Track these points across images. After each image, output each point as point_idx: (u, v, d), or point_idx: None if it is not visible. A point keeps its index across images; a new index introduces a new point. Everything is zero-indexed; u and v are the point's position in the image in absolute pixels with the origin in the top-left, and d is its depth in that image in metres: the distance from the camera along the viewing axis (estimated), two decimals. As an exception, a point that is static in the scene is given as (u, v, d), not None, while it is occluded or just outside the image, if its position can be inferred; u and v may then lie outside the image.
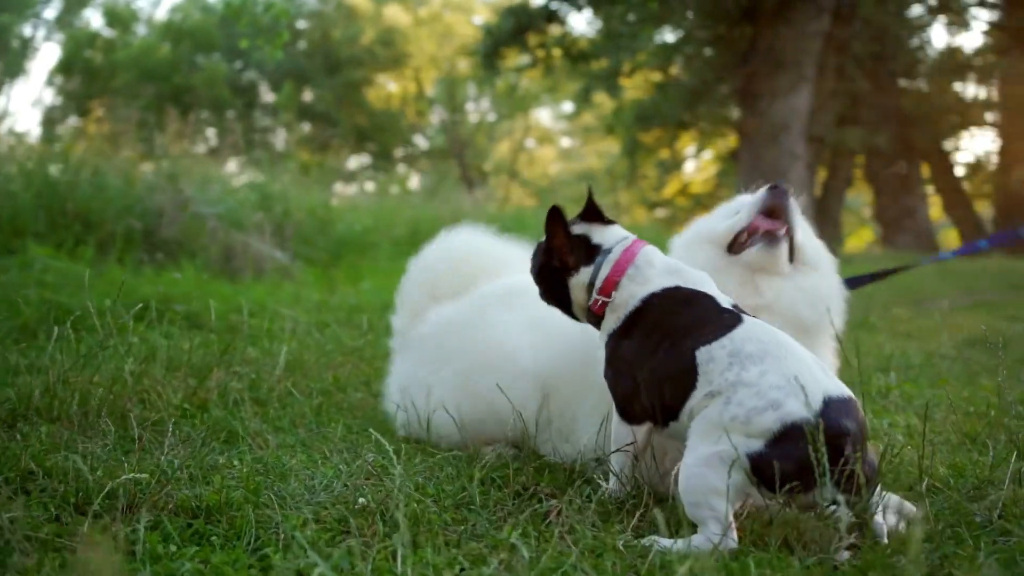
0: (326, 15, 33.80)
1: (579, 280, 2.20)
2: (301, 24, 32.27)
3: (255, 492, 2.04)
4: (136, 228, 6.70)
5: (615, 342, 2.13)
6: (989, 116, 32.26)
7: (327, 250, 8.16)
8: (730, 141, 27.75)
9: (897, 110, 26.60)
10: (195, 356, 3.15)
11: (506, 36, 17.71)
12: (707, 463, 1.82)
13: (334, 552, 1.66)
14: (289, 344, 3.76)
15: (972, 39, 41.24)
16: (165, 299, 4.83)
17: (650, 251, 2.22)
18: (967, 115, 31.67)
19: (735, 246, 2.41)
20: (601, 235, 2.24)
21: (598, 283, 2.17)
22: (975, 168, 33.26)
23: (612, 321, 2.14)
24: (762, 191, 2.48)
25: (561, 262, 2.21)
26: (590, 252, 2.21)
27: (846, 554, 1.80)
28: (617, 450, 2.13)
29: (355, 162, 36.04)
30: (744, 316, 2.03)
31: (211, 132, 29.18)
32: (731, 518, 1.81)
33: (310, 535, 1.78)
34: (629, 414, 2.11)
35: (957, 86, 31.69)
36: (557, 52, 19.38)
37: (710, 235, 2.49)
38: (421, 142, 38.60)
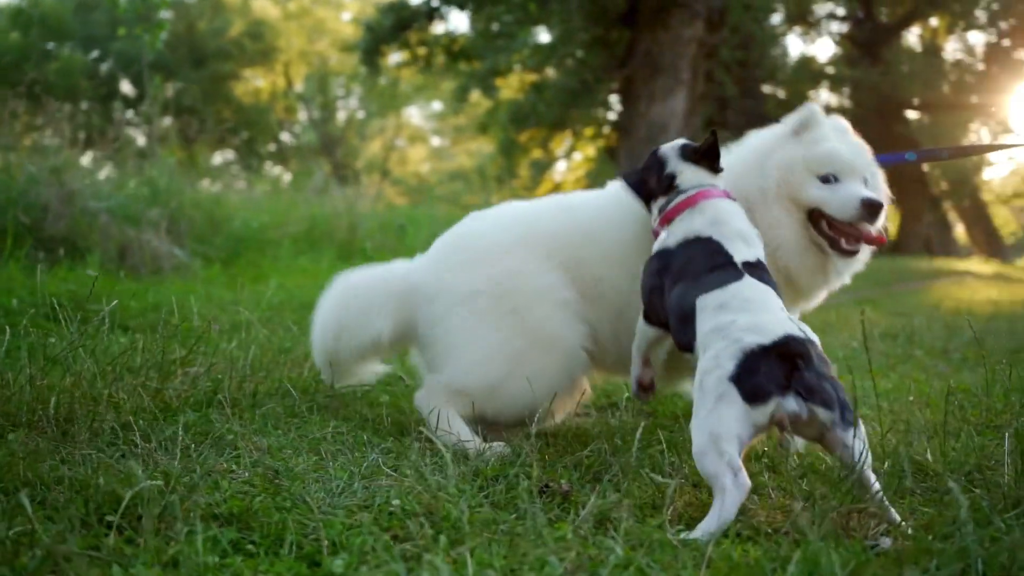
0: (192, 6, 32.58)
1: (655, 205, 2.58)
2: (164, 15, 31.01)
3: (276, 497, 1.89)
4: (24, 223, 6.24)
5: (656, 263, 2.46)
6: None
7: (224, 247, 7.82)
8: (600, 142, 28.27)
9: (762, 114, 27.63)
10: (146, 357, 2.93)
11: (387, 33, 17.48)
12: (704, 414, 1.97)
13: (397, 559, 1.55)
14: (231, 343, 3.55)
15: (825, 49, 43.24)
16: (74, 298, 4.51)
17: (709, 203, 2.45)
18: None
19: (834, 239, 2.62)
20: (686, 177, 2.53)
21: (662, 215, 2.52)
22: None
23: (659, 245, 2.48)
24: (862, 192, 2.58)
25: (646, 189, 2.61)
26: (670, 188, 2.54)
27: (888, 541, 1.83)
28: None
29: (219, 158, 34.91)
30: (745, 275, 2.25)
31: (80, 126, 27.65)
32: (739, 461, 1.91)
33: (360, 541, 1.66)
34: (649, 318, 2.51)
35: (813, 93, 33.21)
36: (440, 50, 19.26)
37: (794, 193, 2.64)
38: (290, 139, 37.73)
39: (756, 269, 2.30)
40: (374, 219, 9.59)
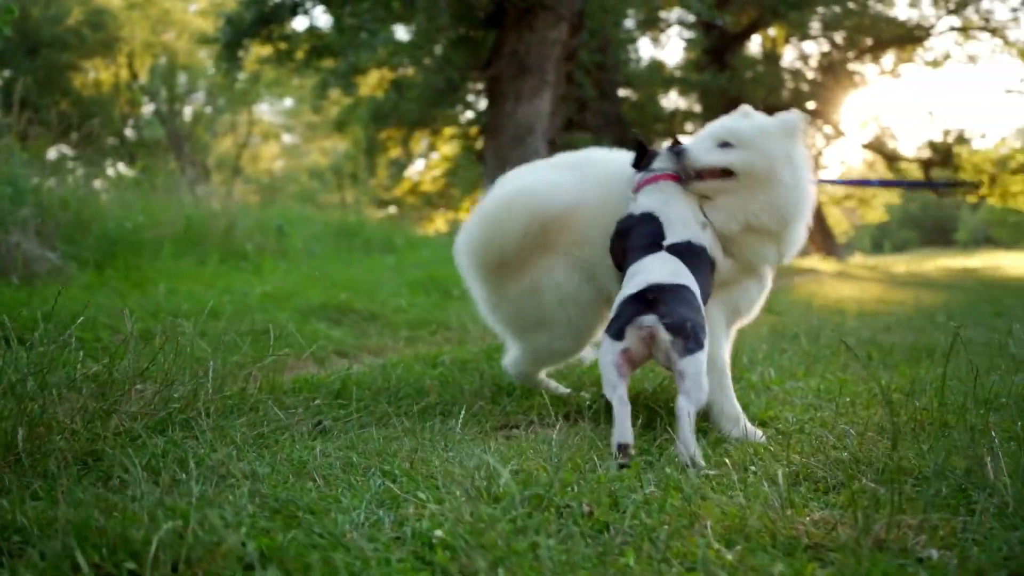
0: (25, -9, 30.53)
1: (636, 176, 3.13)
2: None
3: (302, 533, 1.74)
4: None
5: (622, 224, 3.05)
6: (689, 126, 35.16)
7: (97, 249, 7.32)
8: (463, 142, 28.23)
9: (619, 116, 28.25)
10: (85, 374, 2.67)
11: (249, 27, 16.84)
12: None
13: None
14: (169, 355, 3.29)
15: (674, 54, 44.63)
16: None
17: (663, 184, 3.03)
18: (672, 124, 34.34)
19: None
20: (660, 160, 3.10)
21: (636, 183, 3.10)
22: (680, 172, 35.99)
23: (629, 209, 3.07)
24: None
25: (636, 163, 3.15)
26: (647, 164, 3.11)
27: (935, 553, 1.83)
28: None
29: (55, 152, 32.90)
30: (661, 249, 2.83)
31: None
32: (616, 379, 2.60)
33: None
34: (616, 266, 3.06)
35: (663, 96, 34.25)
36: (304, 46, 18.72)
37: None
38: (134, 134, 35.99)
39: (677, 248, 2.83)
40: (252, 219, 9.22)
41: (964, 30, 33.61)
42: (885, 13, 33.52)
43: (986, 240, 67.42)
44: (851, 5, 32.30)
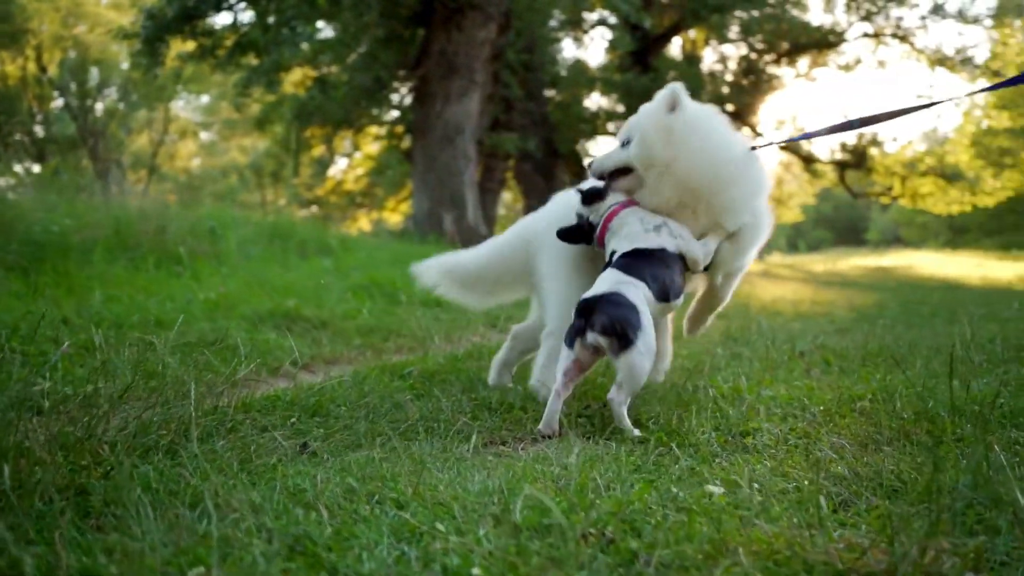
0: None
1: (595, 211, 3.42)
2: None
3: (328, 574, 1.64)
4: None
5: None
6: (612, 126, 35.49)
7: (22, 254, 6.99)
8: (389, 142, 27.95)
9: (544, 116, 28.33)
10: (51, 393, 2.51)
11: (171, 22, 16.34)
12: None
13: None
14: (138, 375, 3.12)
15: (596, 55, 45.03)
16: None
17: (616, 219, 3.29)
18: (595, 124, 34.61)
19: None
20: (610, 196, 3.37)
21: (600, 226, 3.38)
22: (603, 173, 36.28)
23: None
24: None
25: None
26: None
27: (971, 576, 1.82)
28: None
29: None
30: (611, 266, 3.15)
31: None
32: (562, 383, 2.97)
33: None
34: None
35: (587, 96, 34.47)
36: (227, 42, 18.26)
37: None
38: (44, 129, 34.71)
39: (627, 257, 3.14)
40: (183, 221, 8.93)
41: (876, 36, 34.55)
42: (801, 18, 34.28)
43: (896, 240, 69.67)
44: (769, 10, 32.94)
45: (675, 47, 37.51)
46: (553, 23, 29.25)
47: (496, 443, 2.90)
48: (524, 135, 25.64)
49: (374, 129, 28.50)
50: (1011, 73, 36.23)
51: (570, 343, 2.98)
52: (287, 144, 24.75)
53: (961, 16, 33.01)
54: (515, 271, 3.69)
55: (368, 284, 7.44)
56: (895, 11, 33.72)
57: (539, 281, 3.56)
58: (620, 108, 33.85)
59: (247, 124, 34.10)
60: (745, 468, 2.56)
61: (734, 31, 35.44)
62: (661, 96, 3.14)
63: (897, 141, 35.06)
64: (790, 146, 36.93)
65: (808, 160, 36.37)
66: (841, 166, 35.10)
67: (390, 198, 31.63)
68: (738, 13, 33.06)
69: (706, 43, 37.48)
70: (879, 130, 32.34)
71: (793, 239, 70.74)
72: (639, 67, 31.82)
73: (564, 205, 3.68)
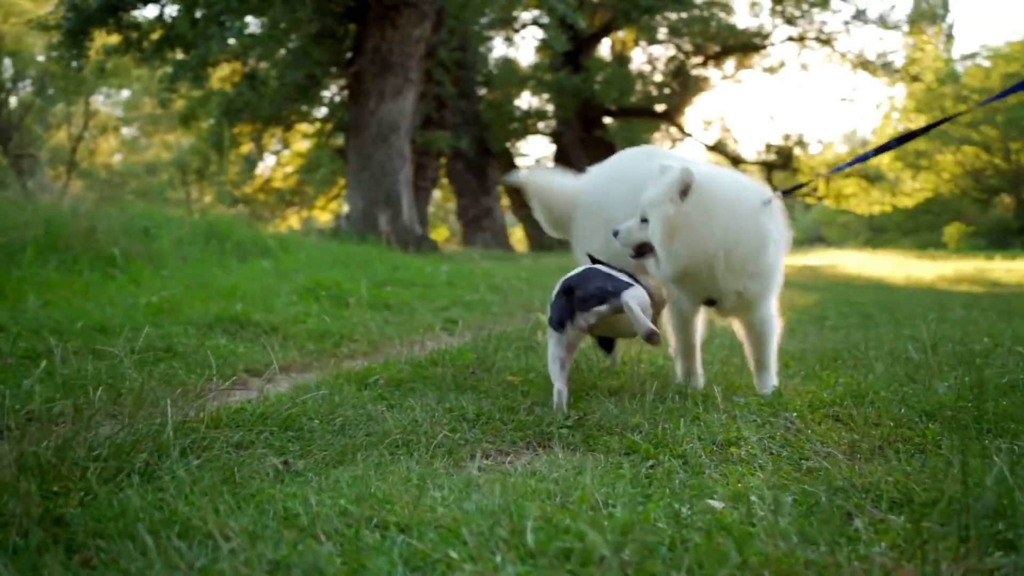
0: None
1: None
2: None
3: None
4: None
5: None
6: (542, 125, 35.60)
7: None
8: (319, 139, 27.56)
9: (476, 115, 28.24)
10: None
11: (95, 13, 15.80)
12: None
13: None
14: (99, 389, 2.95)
15: (527, 55, 45.09)
16: None
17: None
18: (527, 123, 34.67)
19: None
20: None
21: None
22: (535, 171, 36.36)
23: None
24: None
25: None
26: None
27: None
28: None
29: None
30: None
31: None
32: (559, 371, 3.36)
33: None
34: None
35: (517, 95, 34.50)
36: (153, 35, 17.76)
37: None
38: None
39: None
40: (115, 221, 8.61)
41: (800, 40, 35.25)
42: (728, 21, 34.80)
43: (818, 239, 71.27)
44: (697, 12, 33.38)
45: (605, 48, 37.81)
46: (485, 20, 29.16)
47: (479, 456, 2.81)
48: (456, 134, 25.53)
49: (305, 127, 28.08)
50: (929, 77, 37.36)
51: (559, 326, 3.32)
52: (217, 141, 24.13)
53: (882, 21, 33.85)
54: None
55: (314, 286, 7.26)
56: (819, 15, 34.44)
57: None
58: (551, 108, 33.98)
59: (171, 120, 33.30)
60: (739, 481, 2.52)
61: (663, 32, 35.85)
62: (672, 181, 3.35)
63: (823, 143, 35.65)
64: (718, 147, 37.51)
65: (736, 160, 36.94)
66: (768, 166, 35.78)
67: (320, 196, 31.20)
68: (667, 14, 33.46)
69: (635, 44, 37.83)
70: (804, 131, 33.09)
71: (719, 238, 71.55)
72: (570, 67, 31.95)
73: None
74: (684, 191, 3.34)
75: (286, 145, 31.48)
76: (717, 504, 2.29)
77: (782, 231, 3.69)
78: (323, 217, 34.41)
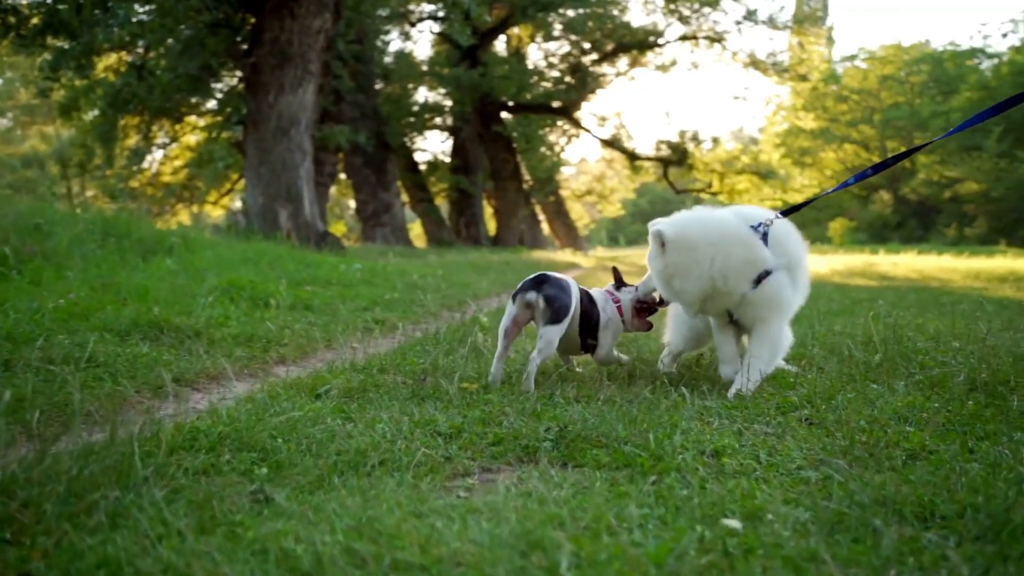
0: None
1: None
2: None
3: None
4: None
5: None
6: (440, 119, 35.32)
7: None
8: (208, 133, 26.62)
9: (375, 109, 27.76)
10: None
11: (-32, -3, 14.81)
12: None
13: None
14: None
15: (423, 48, 44.67)
16: None
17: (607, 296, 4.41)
18: (424, 118, 34.33)
19: None
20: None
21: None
22: (433, 166, 36.15)
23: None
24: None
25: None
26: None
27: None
28: None
29: None
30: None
31: None
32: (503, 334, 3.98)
33: None
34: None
35: (413, 89, 34.11)
36: (34, 21, 16.77)
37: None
38: None
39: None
40: (3, 217, 8.03)
41: (692, 38, 35.88)
42: (622, 19, 35.17)
43: (708, 233, 72.75)
44: (592, 10, 33.62)
45: (501, 43, 37.77)
46: (382, 13, 28.67)
47: (460, 474, 2.61)
48: (355, 128, 25.03)
49: (198, 119, 27.11)
50: (815, 76, 38.58)
51: (512, 300, 3.96)
52: (104, 133, 22.98)
53: (771, 22, 34.72)
54: None
55: (228, 287, 6.88)
56: (710, 15, 35.11)
57: None
58: (449, 102, 33.72)
59: (50, 110, 31.68)
60: (748, 496, 2.39)
61: (559, 29, 36.01)
62: (650, 239, 3.93)
63: (717, 140, 36.37)
64: (614, 143, 37.90)
65: (633, 157, 37.42)
66: (664, 163, 36.33)
67: (213, 191, 30.20)
68: (568, 12, 33.60)
69: (531, 40, 37.90)
70: (699, 128, 33.79)
71: (614, 233, 72.91)
72: (468, 62, 31.76)
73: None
74: (662, 245, 3.85)
75: (174, 138, 30.32)
76: (735, 524, 2.16)
77: (786, 250, 4.01)
78: (215, 213, 33.35)
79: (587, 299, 4.20)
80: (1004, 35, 77.00)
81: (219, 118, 24.59)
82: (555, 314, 3.87)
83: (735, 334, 4.20)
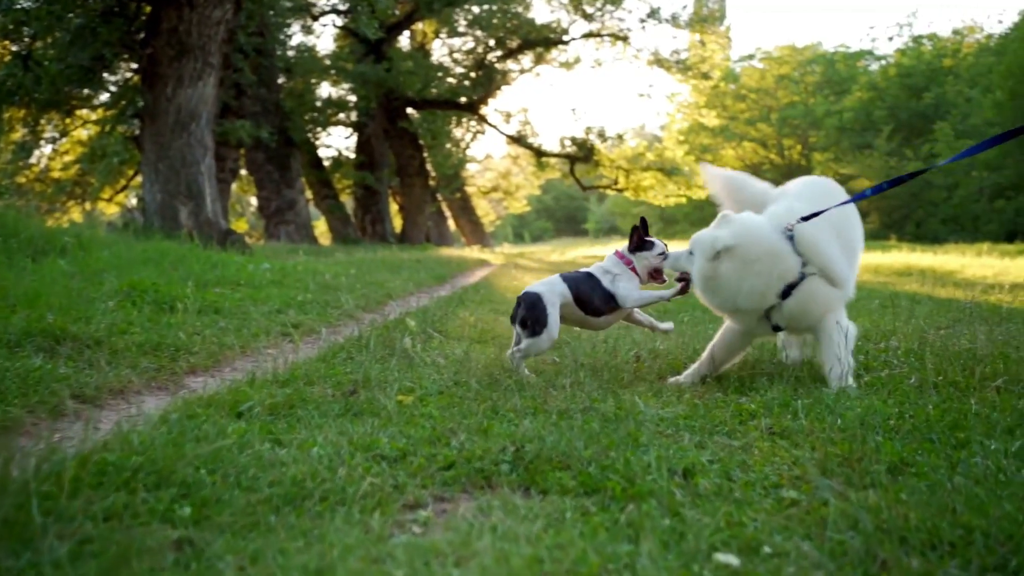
0: None
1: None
2: None
3: None
4: None
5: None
6: (345, 115, 34.63)
7: None
8: (100, 127, 25.46)
9: (276, 105, 26.99)
10: None
11: None
12: None
13: None
14: None
15: (326, 42, 43.91)
16: None
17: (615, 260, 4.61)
18: (328, 113, 33.62)
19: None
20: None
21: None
22: (338, 162, 35.45)
23: None
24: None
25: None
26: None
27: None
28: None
29: None
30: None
31: None
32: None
33: None
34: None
35: (316, 84, 33.37)
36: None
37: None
38: None
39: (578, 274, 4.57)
40: None
41: (597, 36, 36.01)
42: (526, 15, 35.09)
43: (612, 229, 73.66)
44: (496, 6, 33.44)
45: (406, 39, 37.28)
46: (286, 4, 27.88)
47: (412, 505, 2.32)
48: (257, 123, 24.27)
49: (86, 112, 25.88)
50: (717, 75, 39.18)
51: (512, 323, 4.46)
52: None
53: (674, 20, 35.09)
54: None
55: (130, 290, 6.38)
56: (615, 13, 35.28)
57: None
58: (353, 98, 33.06)
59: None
60: (735, 523, 2.17)
61: (463, 25, 35.72)
62: (709, 245, 4.02)
63: (623, 137, 36.58)
64: (520, 139, 37.78)
65: (538, 153, 37.34)
66: (570, 159, 36.36)
67: (107, 188, 28.91)
68: (473, 8, 33.31)
69: (436, 35, 37.50)
70: (605, 125, 33.92)
71: (519, 230, 72.94)
72: (372, 57, 31.20)
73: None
74: (716, 256, 3.99)
75: (64, 132, 28.92)
76: (731, 559, 1.94)
77: (821, 257, 4.04)
78: (110, 210, 31.97)
79: (584, 281, 4.47)
80: (890, 38, 79.92)
81: (113, 111, 23.51)
82: (532, 330, 4.30)
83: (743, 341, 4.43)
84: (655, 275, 4.55)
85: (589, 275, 4.51)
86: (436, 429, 2.93)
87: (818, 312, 4.04)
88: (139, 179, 22.06)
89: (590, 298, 4.42)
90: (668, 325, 4.75)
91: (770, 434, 3.11)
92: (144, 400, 3.78)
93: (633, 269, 4.50)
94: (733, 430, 3.16)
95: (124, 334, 4.97)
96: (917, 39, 59.23)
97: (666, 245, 4.59)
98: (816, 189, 4.51)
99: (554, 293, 4.38)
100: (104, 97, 24.30)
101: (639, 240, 4.53)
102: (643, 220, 4.65)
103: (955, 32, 59.71)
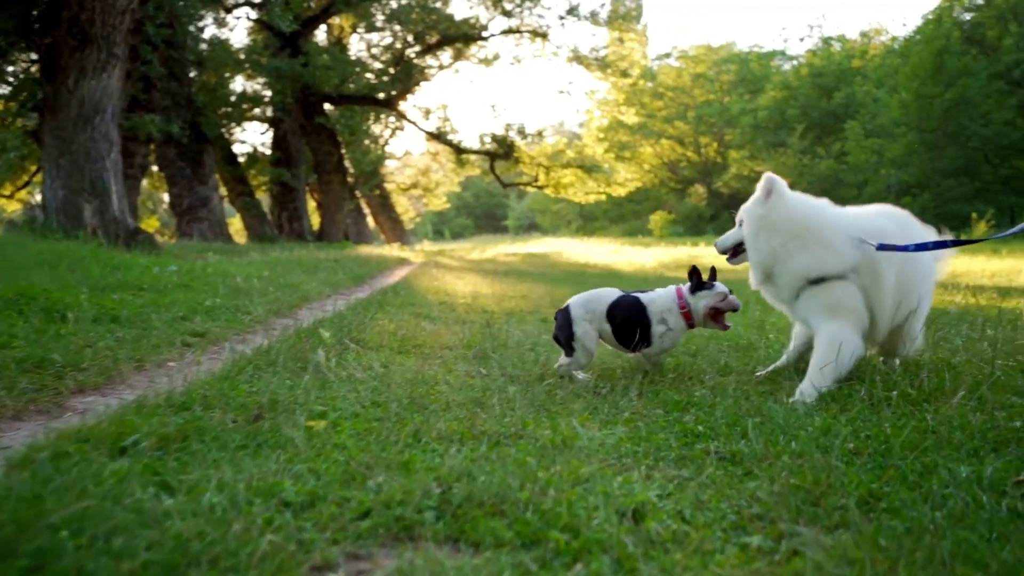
0: None
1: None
2: None
3: None
4: None
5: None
6: (260, 110, 33.79)
7: None
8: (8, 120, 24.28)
9: (188, 98, 26.11)
10: None
11: None
12: None
13: None
14: None
15: (240, 35, 42.80)
16: None
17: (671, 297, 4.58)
18: (243, 108, 32.73)
19: None
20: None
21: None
22: (253, 158, 34.57)
23: None
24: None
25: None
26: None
27: None
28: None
29: None
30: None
31: None
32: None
33: None
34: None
35: (230, 78, 32.45)
36: None
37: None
38: None
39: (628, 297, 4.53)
40: None
41: (516, 32, 35.81)
42: (445, 11, 34.72)
43: (531, 226, 73.77)
44: (414, 1, 33.01)
45: (322, 33, 36.56)
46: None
47: (321, 568, 1.98)
48: (167, 117, 23.42)
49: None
50: (635, 72, 39.35)
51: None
52: None
53: (593, 18, 35.11)
54: None
55: (16, 298, 5.87)
56: (534, 9, 35.14)
57: None
58: (268, 93, 32.24)
59: None
60: None
61: (381, 19, 35.19)
62: (760, 186, 4.13)
63: (543, 135, 36.50)
64: (440, 136, 37.37)
65: (458, 150, 37.00)
66: (490, 156, 36.11)
67: (7, 184, 27.62)
68: (386, 1, 32.80)
69: (354, 30, 36.86)
70: (525, 122, 33.79)
71: (439, 227, 72.53)
72: (288, 51, 30.48)
73: None
74: (768, 192, 4.07)
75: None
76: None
77: (877, 275, 3.99)
78: (11, 207, 30.60)
79: (634, 307, 4.45)
80: (801, 39, 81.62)
81: (11, 104, 22.40)
82: (565, 347, 4.44)
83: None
84: (717, 316, 4.49)
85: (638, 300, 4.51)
86: (350, 464, 2.59)
87: (823, 314, 3.99)
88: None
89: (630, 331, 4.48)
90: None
91: (720, 460, 2.86)
92: (19, 428, 3.36)
93: (687, 315, 4.47)
94: (680, 456, 2.90)
95: (4, 348, 4.51)
96: (827, 40, 60.62)
97: (729, 290, 4.52)
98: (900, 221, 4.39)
99: (582, 310, 4.49)
100: (2, 89, 23.19)
101: (698, 281, 4.49)
102: (695, 268, 4.58)
103: (862, 34, 61.35)
